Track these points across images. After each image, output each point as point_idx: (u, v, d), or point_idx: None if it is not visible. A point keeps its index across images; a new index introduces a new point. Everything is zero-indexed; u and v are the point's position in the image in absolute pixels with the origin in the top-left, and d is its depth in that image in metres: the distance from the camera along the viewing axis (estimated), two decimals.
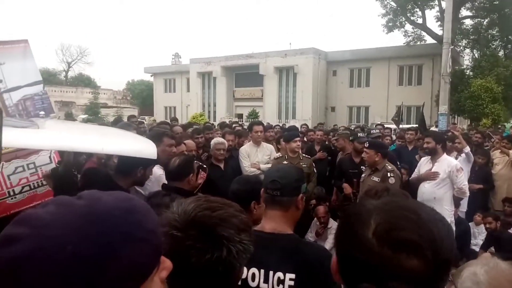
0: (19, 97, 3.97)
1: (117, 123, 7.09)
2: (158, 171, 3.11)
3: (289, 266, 1.53)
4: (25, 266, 0.51)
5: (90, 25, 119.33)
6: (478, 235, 5.69)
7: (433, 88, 28.36)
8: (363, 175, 4.57)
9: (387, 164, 4.33)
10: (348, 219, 0.80)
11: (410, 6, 28.43)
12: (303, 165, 5.17)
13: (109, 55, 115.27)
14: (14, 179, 3.61)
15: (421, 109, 11.11)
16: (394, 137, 9.17)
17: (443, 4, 23.35)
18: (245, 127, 9.12)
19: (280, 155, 5.25)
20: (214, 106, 37.95)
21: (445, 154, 4.82)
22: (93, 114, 34.25)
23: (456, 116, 26.66)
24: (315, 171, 5.34)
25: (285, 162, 5.08)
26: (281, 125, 14.52)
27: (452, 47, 16.67)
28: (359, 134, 5.75)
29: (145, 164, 2.58)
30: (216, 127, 8.90)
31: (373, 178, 4.28)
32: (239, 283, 1.56)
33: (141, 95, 50.53)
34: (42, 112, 3.89)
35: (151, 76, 46.24)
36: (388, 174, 4.19)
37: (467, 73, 26.78)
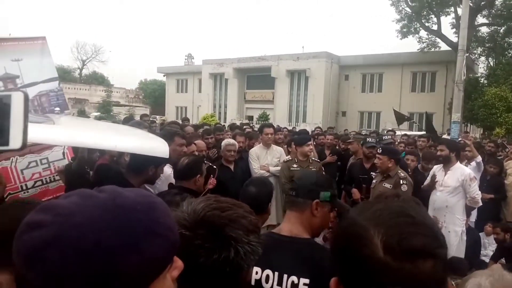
0: (35, 93, 4.02)
1: (128, 121, 7.15)
2: (168, 170, 3.14)
3: (304, 271, 1.53)
4: (47, 251, 0.52)
5: (105, 24, 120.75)
6: (489, 245, 5.60)
7: (446, 96, 28.06)
8: (374, 181, 4.53)
9: (399, 171, 4.29)
10: (344, 244, 0.75)
11: (425, 12, 28.22)
12: (313, 169, 5.17)
13: (123, 54, 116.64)
14: (27, 173, 3.66)
15: (427, 116, 11.01)
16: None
17: (459, 11, 23.13)
18: (256, 129, 9.12)
19: (290, 158, 5.24)
20: (225, 107, 38.06)
21: (458, 162, 4.77)
22: (106, 112, 34.61)
23: (469, 125, 26.34)
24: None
25: (294, 166, 5.08)
26: (289, 128, 14.51)
27: (467, 54, 16.47)
28: (368, 139, 5.72)
29: (157, 162, 2.61)
30: (226, 129, 8.92)
31: (384, 184, 4.24)
32: (253, 283, 1.57)
33: (153, 95, 50.94)
34: (57, 108, 3.94)
35: (164, 76, 46.58)
36: (401, 181, 4.15)
37: (482, 81, 26.46)
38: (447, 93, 27.93)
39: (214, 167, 3.45)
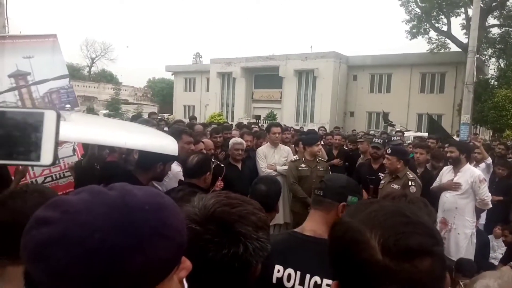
0: (45, 90, 4.06)
1: (137, 119, 7.19)
2: (176, 167, 3.16)
3: (328, 272, 1.52)
4: (53, 248, 0.52)
5: (114, 22, 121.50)
6: (498, 248, 5.55)
7: (456, 97, 27.81)
8: (382, 182, 4.51)
9: (408, 172, 4.26)
10: (342, 249, 0.75)
11: (435, 13, 27.97)
12: (320, 168, 5.17)
13: (132, 53, 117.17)
14: (37, 169, 3.71)
15: (431, 119, 10.91)
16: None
17: (470, 11, 22.92)
18: (264, 128, 9.12)
19: (297, 158, 5.24)
20: (232, 106, 38.11)
21: (468, 164, 4.73)
22: (114, 110, 34.82)
23: (478, 127, 26.10)
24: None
25: (302, 165, 5.08)
26: (296, 128, 14.48)
27: (478, 56, 16.32)
28: (374, 140, 5.71)
29: (165, 160, 2.62)
30: (234, 128, 8.93)
31: (393, 185, 4.21)
32: (274, 281, 1.58)
33: (161, 93, 51.18)
34: (68, 105, 3.98)
35: (172, 74, 46.76)
36: (410, 182, 4.12)
37: (492, 83, 26.19)
38: (457, 95, 27.68)
39: (222, 165, 3.47)
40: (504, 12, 26.71)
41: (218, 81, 38.54)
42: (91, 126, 2.37)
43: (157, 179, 2.80)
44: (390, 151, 4.45)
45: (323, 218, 1.68)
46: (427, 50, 29.56)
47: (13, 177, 2.91)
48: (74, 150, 3.77)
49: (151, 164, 2.60)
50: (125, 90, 49.73)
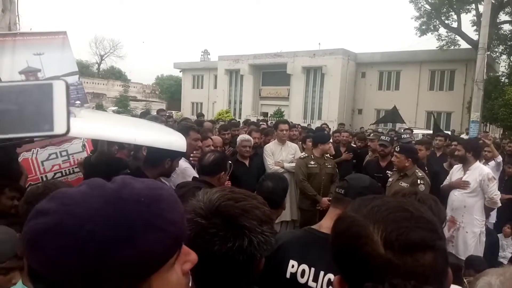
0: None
1: (145, 116, 7.24)
2: (183, 163, 3.18)
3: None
4: (45, 238, 0.54)
5: (123, 20, 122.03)
6: (507, 247, 5.51)
7: (465, 95, 27.51)
8: (390, 179, 4.49)
9: (417, 171, 4.23)
10: (345, 243, 0.76)
11: (445, 9, 27.63)
12: (328, 166, 5.17)
13: (140, 50, 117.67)
14: (48, 165, 3.76)
15: (434, 119, 10.79)
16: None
17: (481, 8, 22.61)
18: (271, 126, 9.12)
19: (306, 155, 5.25)
20: (240, 103, 38.11)
21: (477, 162, 4.68)
22: (123, 107, 35.05)
23: (488, 124, 25.78)
24: (337, 172, 5.33)
25: (312, 162, 5.09)
26: (303, 125, 14.45)
27: (488, 53, 16.12)
28: (382, 137, 5.69)
29: (173, 156, 2.64)
30: (241, 125, 8.95)
31: (401, 183, 4.19)
32: (288, 276, 1.59)
33: (169, 90, 51.34)
34: (78, 102, 4.02)
35: (180, 71, 46.88)
36: (418, 180, 4.10)
37: (503, 80, 25.82)
38: (466, 92, 27.38)
39: (230, 162, 3.48)
40: None
41: (226, 78, 38.56)
42: (101, 123, 2.40)
43: (165, 175, 2.82)
44: (398, 148, 4.43)
45: None
46: (437, 47, 29.23)
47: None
48: (83, 146, 3.81)
49: (159, 160, 2.62)
50: (134, 87, 49.98)
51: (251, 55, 36.56)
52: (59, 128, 0.64)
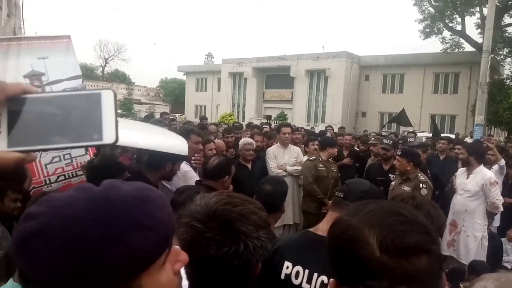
0: (59, 90, 4.13)
1: (149, 119, 7.27)
2: (184, 166, 3.18)
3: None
4: (34, 240, 0.55)
5: (127, 23, 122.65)
6: (511, 251, 5.47)
7: (470, 98, 27.38)
8: (392, 183, 4.48)
9: (419, 174, 4.22)
10: (341, 247, 0.77)
11: (449, 12, 27.57)
12: (334, 170, 5.22)
13: (144, 53, 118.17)
14: (51, 168, 3.77)
15: (433, 121, 10.74)
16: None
17: (485, 11, 22.53)
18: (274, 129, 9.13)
19: (315, 157, 5.27)
20: (243, 106, 38.16)
21: (481, 166, 4.66)
22: (127, 110, 35.19)
23: (492, 128, 25.65)
24: (339, 175, 5.35)
25: (321, 165, 5.12)
26: (306, 128, 14.44)
27: (492, 55, 16.07)
28: (384, 140, 5.70)
29: (174, 159, 2.65)
30: (244, 128, 8.96)
31: (404, 187, 4.18)
32: (282, 277, 1.60)
33: (173, 93, 51.52)
34: None
35: (184, 74, 47.03)
36: (421, 185, 4.09)
37: (507, 83, 25.70)
38: (471, 95, 27.25)
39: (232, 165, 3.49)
40: None
41: (230, 81, 38.63)
42: None
43: (166, 179, 2.83)
44: (400, 152, 4.42)
45: None
46: (441, 50, 29.16)
47: None
48: (86, 149, 3.82)
49: (160, 164, 2.63)
50: (138, 90, 50.22)
51: (254, 58, 36.62)
52: (108, 137, 0.65)
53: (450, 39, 28.78)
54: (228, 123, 16.83)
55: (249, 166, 4.97)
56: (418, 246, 0.70)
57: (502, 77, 28.47)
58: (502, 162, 5.80)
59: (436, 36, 28.99)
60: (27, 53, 4.07)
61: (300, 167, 5.40)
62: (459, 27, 27.86)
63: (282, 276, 1.61)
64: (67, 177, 3.88)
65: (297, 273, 1.59)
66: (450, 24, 28.07)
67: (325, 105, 33.12)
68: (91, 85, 42.10)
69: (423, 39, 29.11)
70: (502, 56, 29.49)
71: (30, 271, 0.56)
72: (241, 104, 38.55)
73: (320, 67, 32.61)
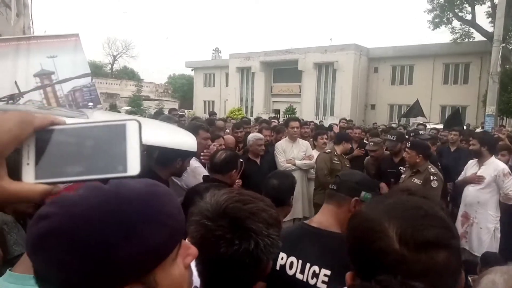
0: (69, 88, 4.17)
1: (159, 115, 7.30)
2: (193, 162, 3.20)
3: (327, 262, 1.55)
4: (49, 240, 0.56)
5: (135, 20, 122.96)
6: None
7: (481, 88, 26.99)
8: (403, 176, 4.45)
9: (429, 167, 4.18)
10: (360, 238, 0.77)
11: (458, 1, 27.10)
12: (347, 164, 5.25)
13: (153, 50, 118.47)
14: None
15: (455, 112, 10.56)
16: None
17: None
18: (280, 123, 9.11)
19: (330, 150, 5.31)
20: (251, 101, 38.12)
21: (493, 157, 4.61)
22: (136, 106, 35.36)
23: (504, 118, 25.29)
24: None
25: (335, 159, 5.16)
26: (317, 122, 14.40)
27: (504, 45, 15.79)
28: (388, 136, 5.69)
29: (184, 156, 2.67)
30: (253, 122, 8.96)
31: (414, 180, 4.15)
32: (277, 268, 1.61)
33: (181, 89, 51.66)
34: (91, 103, 4.08)
35: (192, 70, 47.10)
36: (431, 177, 4.05)
37: None
38: (482, 85, 26.86)
39: (241, 160, 3.50)
40: None
41: (237, 76, 38.59)
42: None
43: (176, 175, 2.85)
44: (409, 144, 4.39)
45: (333, 212, 1.70)
46: (450, 40, 28.72)
47: None
48: None
49: (170, 160, 2.65)
50: (147, 86, 50.41)
51: (262, 52, 36.49)
52: (132, 169, 0.64)
53: (460, 29, 28.31)
54: (236, 118, 16.84)
55: (258, 161, 4.97)
56: (437, 240, 0.70)
57: None
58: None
59: (445, 26, 28.54)
60: (36, 52, 4.11)
61: (309, 161, 5.39)
62: (469, 17, 27.39)
63: (277, 267, 1.62)
64: None
65: (291, 263, 1.61)
66: (460, 14, 27.61)
67: (333, 98, 32.92)
68: (100, 82, 42.40)
69: (432, 30, 28.70)
70: None
71: (46, 270, 0.57)
72: (249, 99, 38.52)
73: (328, 60, 32.38)
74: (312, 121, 11.55)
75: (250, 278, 1.01)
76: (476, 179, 4.58)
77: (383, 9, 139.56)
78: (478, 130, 13.61)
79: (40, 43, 4.19)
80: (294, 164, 5.28)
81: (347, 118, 14.84)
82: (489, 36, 23.53)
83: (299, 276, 1.57)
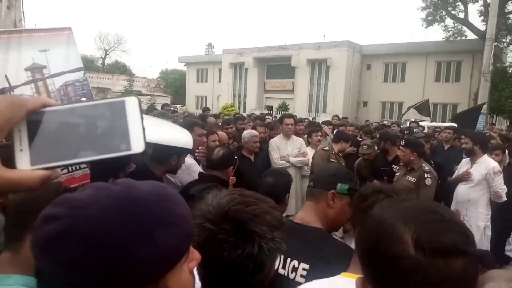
0: (61, 83, 4.10)
1: (151, 110, 7.24)
2: (188, 159, 3.18)
3: (306, 257, 1.54)
4: (63, 240, 0.54)
5: (128, 14, 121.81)
6: None
7: (472, 86, 27.25)
8: (397, 174, 4.47)
9: (424, 164, 4.21)
10: (373, 242, 0.74)
11: None
12: (342, 164, 5.25)
13: (145, 44, 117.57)
14: None
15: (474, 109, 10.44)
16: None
17: None
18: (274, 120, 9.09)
19: (328, 148, 5.32)
20: (244, 97, 38.05)
21: (485, 155, 4.65)
22: None
23: (495, 116, 25.57)
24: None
25: (333, 157, 5.16)
26: (310, 118, 14.41)
27: (496, 43, 15.94)
28: (376, 135, 5.72)
29: (180, 153, 2.64)
30: (247, 119, 8.93)
31: (408, 178, 4.18)
32: None
33: (174, 84, 51.34)
34: (84, 98, 4.02)
35: (184, 65, 46.83)
36: (425, 174, 4.08)
37: (510, 71, 25.55)
38: (473, 83, 27.11)
39: (235, 157, 3.49)
40: None
41: (230, 72, 38.46)
42: None
43: (172, 172, 2.82)
44: (404, 142, 4.41)
45: (313, 208, 1.71)
46: (443, 38, 28.94)
47: None
48: None
49: (166, 157, 2.62)
50: (139, 81, 50.02)
51: (255, 48, 36.40)
52: (136, 146, 0.61)
53: (452, 27, 28.54)
54: (229, 114, 16.79)
55: (252, 158, 4.95)
56: (455, 247, 0.67)
57: (504, 65, 28.29)
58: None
59: (438, 24, 28.74)
60: (28, 45, 4.03)
61: (303, 158, 5.38)
62: (461, 15, 27.58)
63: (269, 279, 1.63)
64: (70, 170, 3.87)
65: None
66: (453, 12, 27.80)
67: (326, 95, 33.00)
68: (92, 77, 41.95)
69: (425, 28, 28.90)
70: (505, 44, 29.26)
71: (55, 273, 0.55)
72: (242, 95, 38.44)
73: (322, 56, 32.41)
74: (307, 118, 11.55)
75: (254, 282, 0.98)
76: (465, 176, 4.62)
77: (376, 6, 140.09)
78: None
79: (32, 37, 4.11)
80: (288, 161, 5.27)
81: (340, 115, 14.88)
82: (481, 34, 23.74)
83: (281, 271, 1.57)
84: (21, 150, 0.60)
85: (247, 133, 5.02)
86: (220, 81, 40.13)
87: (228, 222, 0.95)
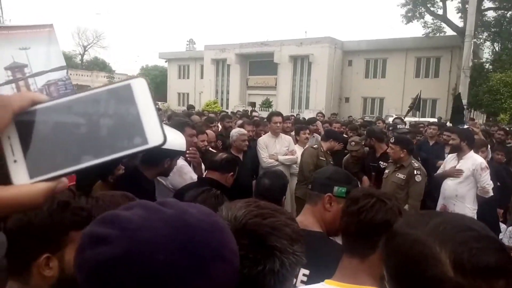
0: (43, 82, 3.97)
1: None
2: (179, 161, 3.10)
3: (306, 262, 1.52)
4: (115, 268, 0.49)
5: (106, 9, 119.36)
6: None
7: (451, 81, 27.84)
8: (386, 171, 4.49)
9: (413, 161, 4.24)
10: (407, 264, 0.70)
11: None
12: (331, 162, 5.25)
13: (124, 40, 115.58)
14: None
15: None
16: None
17: None
18: (260, 116, 9.05)
19: (317, 146, 5.28)
20: (227, 93, 37.88)
21: (472, 151, 4.71)
22: None
23: (472, 111, 26.21)
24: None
25: (321, 156, 5.10)
26: (295, 115, 14.44)
27: (474, 40, 16.28)
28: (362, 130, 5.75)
29: (173, 155, 2.57)
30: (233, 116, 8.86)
31: (398, 174, 4.20)
32: None
33: (154, 81, 50.68)
34: None
35: (166, 61, 46.27)
36: (415, 171, 4.11)
37: (487, 67, 26.20)
38: (452, 79, 27.71)
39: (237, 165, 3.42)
40: None
41: (213, 68, 38.22)
42: None
43: (164, 175, 2.75)
44: (393, 140, 4.42)
45: (310, 211, 1.69)
46: (423, 35, 29.45)
47: None
48: None
49: (158, 160, 2.54)
50: (119, 78, 49.13)
51: (237, 44, 36.26)
52: (154, 138, 0.50)
53: (431, 24, 29.09)
54: (212, 111, 16.67)
55: (241, 156, 4.90)
56: (497, 266, 0.63)
57: (481, 60, 28.98)
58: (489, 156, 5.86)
59: (418, 21, 29.26)
60: (7, 43, 3.87)
61: (292, 156, 5.36)
62: (440, 12, 28.12)
63: None
64: None
65: None
66: (432, 9, 28.34)
67: (309, 91, 33.18)
68: (71, 74, 40.83)
69: (405, 24, 29.39)
70: (481, 40, 29.99)
71: None
72: (224, 91, 38.26)
73: (304, 52, 32.55)
74: (293, 115, 11.55)
75: None
76: (455, 173, 4.68)
77: (357, 2, 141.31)
78: (449, 123, 13.98)
79: (11, 34, 3.95)
80: (277, 160, 5.24)
81: (323, 111, 14.97)
82: (459, 30, 24.26)
83: None
84: (15, 162, 0.49)
85: (236, 131, 4.95)
86: (202, 77, 39.82)
87: (246, 237, 0.89)
